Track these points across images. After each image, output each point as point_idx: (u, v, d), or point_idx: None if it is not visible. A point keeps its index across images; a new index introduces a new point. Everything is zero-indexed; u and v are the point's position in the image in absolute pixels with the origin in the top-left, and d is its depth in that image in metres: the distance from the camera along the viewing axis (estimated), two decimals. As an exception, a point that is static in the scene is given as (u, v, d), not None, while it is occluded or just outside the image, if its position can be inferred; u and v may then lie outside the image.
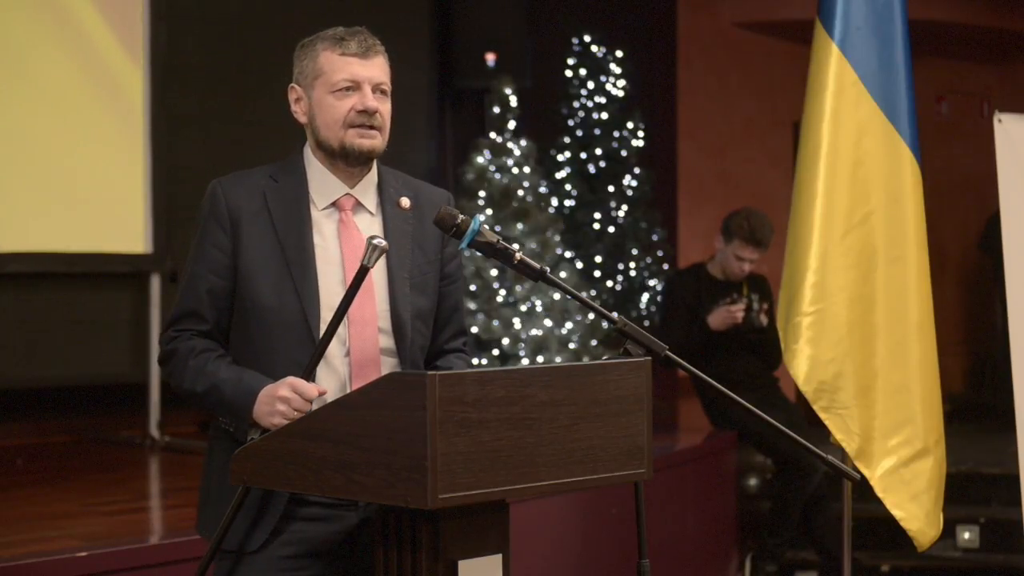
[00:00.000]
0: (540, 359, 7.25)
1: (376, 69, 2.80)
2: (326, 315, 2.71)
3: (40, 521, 4.77)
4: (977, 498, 6.77)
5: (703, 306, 6.29)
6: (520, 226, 7.50)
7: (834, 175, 4.32)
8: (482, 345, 7.27)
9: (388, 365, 2.78)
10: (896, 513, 4.30)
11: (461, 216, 2.68)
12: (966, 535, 6.59)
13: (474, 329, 7.15)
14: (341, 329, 2.72)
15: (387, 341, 2.79)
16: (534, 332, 7.32)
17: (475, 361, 7.08)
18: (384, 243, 2.63)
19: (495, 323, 7.28)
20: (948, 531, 5.65)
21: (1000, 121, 4.57)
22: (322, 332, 2.67)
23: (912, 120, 4.39)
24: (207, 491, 2.86)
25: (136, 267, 6.91)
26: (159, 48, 6.91)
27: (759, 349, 6.32)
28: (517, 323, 7.32)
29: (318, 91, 2.80)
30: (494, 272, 7.37)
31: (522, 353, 7.29)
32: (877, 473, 4.29)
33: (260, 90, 7.36)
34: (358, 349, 2.75)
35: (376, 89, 2.79)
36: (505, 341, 7.28)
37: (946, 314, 5.96)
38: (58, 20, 6.66)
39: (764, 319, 6.22)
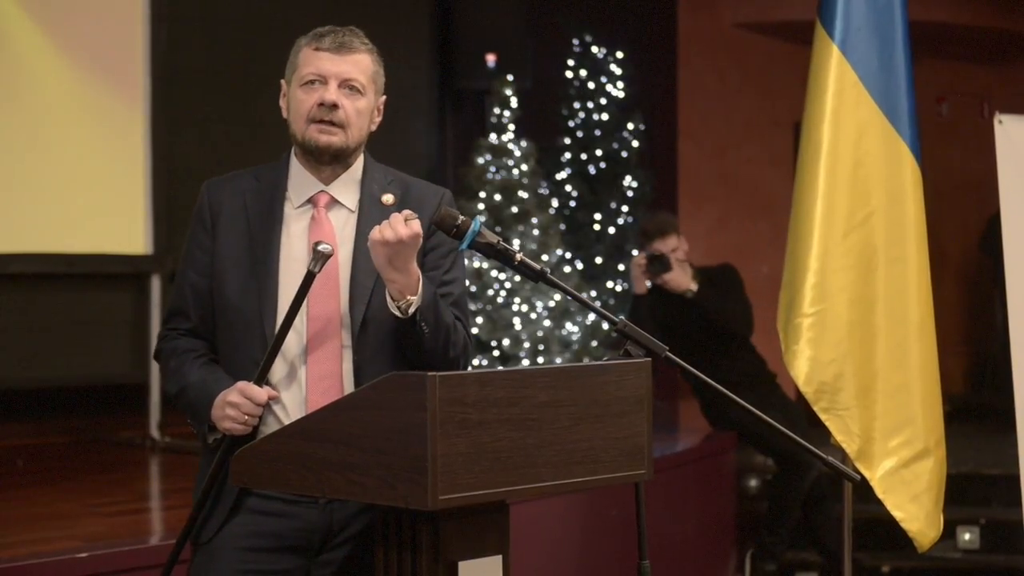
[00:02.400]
0: (540, 360, 7.25)
1: (348, 65, 2.76)
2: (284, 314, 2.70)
3: (40, 522, 4.76)
4: (977, 499, 6.77)
5: (669, 317, 6.25)
6: (520, 226, 7.49)
7: (834, 176, 4.31)
8: (482, 345, 7.27)
9: (350, 361, 2.75)
10: (896, 514, 4.29)
11: (462, 217, 2.66)
12: (967, 536, 6.59)
13: (474, 330, 7.14)
14: (300, 325, 2.72)
15: (349, 338, 2.75)
16: (534, 333, 7.32)
17: (475, 362, 7.08)
18: (329, 248, 2.63)
19: (495, 323, 7.28)
20: (948, 532, 5.65)
21: (1000, 122, 4.56)
22: (276, 330, 2.68)
23: (912, 121, 4.38)
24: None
25: (136, 268, 6.91)
26: (159, 49, 6.91)
27: (722, 328, 6.26)
28: (517, 323, 7.32)
29: (293, 85, 2.81)
30: (494, 273, 7.37)
31: (522, 354, 7.28)
32: (877, 474, 4.28)
33: (260, 91, 7.33)
34: (317, 346, 2.73)
35: (344, 85, 2.76)
36: (505, 342, 7.28)
37: (946, 315, 5.95)
38: (59, 22, 6.66)
39: (683, 268, 6.21)
